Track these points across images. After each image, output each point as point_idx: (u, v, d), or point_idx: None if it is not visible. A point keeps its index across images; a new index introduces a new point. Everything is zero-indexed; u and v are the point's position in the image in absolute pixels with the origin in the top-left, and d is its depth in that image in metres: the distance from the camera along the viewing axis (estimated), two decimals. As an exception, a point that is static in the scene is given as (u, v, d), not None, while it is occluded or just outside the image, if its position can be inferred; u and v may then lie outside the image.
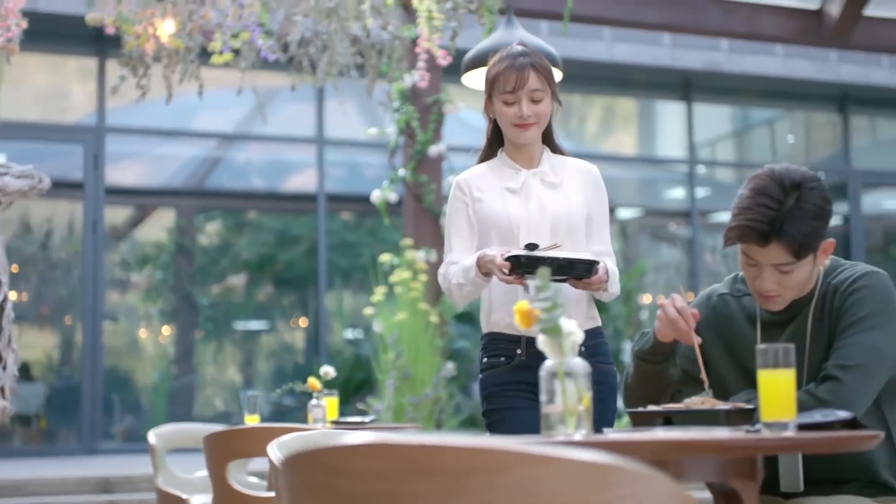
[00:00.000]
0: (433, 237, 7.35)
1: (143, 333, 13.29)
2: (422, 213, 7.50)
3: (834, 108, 13.55)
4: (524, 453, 1.54)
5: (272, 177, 12.39)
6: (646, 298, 13.20)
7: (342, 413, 4.92)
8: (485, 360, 3.48)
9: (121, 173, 11.75)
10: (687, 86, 12.59)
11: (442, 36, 5.81)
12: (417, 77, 6.09)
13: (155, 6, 5.79)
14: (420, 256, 7.29)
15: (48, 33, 10.08)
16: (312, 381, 4.88)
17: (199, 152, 11.90)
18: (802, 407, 2.48)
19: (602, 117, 13.60)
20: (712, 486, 2.27)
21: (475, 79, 5.23)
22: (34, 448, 10.63)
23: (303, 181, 11.90)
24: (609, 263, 3.40)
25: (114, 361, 12.74)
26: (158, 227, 13.04)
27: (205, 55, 6.24)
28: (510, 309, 3.02)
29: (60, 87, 11.25)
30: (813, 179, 2.58)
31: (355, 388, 10.11)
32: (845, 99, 13.33)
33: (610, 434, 2.30)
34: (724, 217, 13.84)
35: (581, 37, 11.44)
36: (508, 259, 3.19)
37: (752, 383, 2.70)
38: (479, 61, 5.09)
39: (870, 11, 8.20)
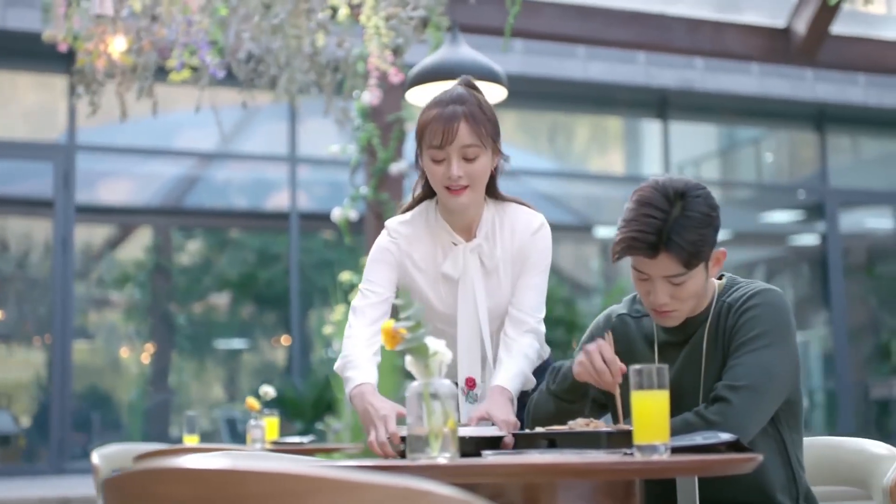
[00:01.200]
0: (394, 256, 7.29)
1: (121, 352, 13.24)
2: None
3: (811, 126, 13.51)
4: (329, 479, 1.48)
5: (251, 195, 12.35)
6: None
7: (307, 432, 4.90)
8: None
9: (97, 192, 11.71)
10: (663, 104, 12.56)
11: (394, 53, 5.77)
12: (368, 95, 6.04)
13: (103, 23, 5.74)
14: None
15: (18, 50, 10.07)
16: (251, 402, 4.84)
17: (178, 171, 11.87)
18: (691, 429, 2.43)
19: (578, 135, 13.57)
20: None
21: (419, 96, 5.20)
22: (11, 467, 10.56)
23: (282, 200, 11.86)
24: (519, 362, 2.87)
25: (93, 380, 12.68)
26: (137, 245, 12.99)
27: (164, 72, 6.20)
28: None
29: (31, 104, 11.22)
30: (697, 188, 2.54)
31: (326, 407, 10.05)
32: (822, 117, 13.30)
33: (474, 459, 2.25)
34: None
35: (556, 55, 11.41)
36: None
37: (649, 405, 2.65)
38: (422, 78, 5.07)
39: (837, 29, 8.17)
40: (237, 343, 12.87)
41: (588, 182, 13.25)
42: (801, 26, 7.99)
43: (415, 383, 2.14)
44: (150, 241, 12.86)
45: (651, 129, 13.02)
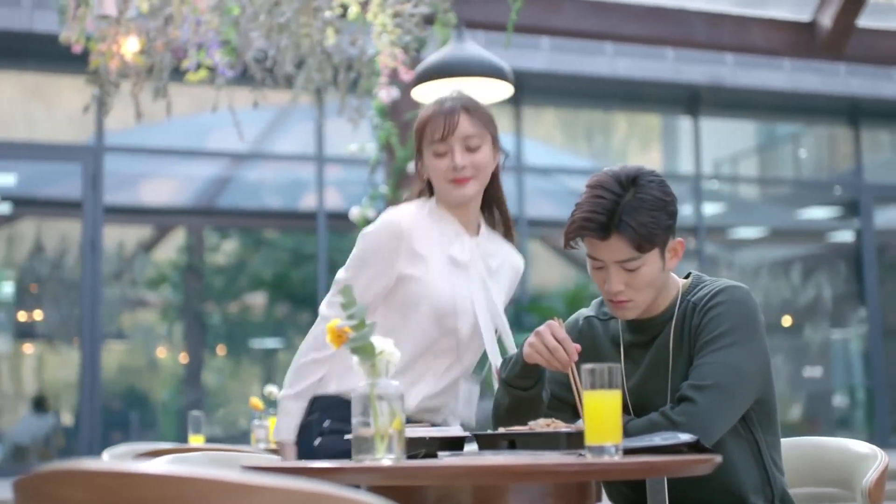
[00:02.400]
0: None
1: (157, 353, 13.34)
2: (401, 231, 7.41)
3: (845, 121, 13.34)
4: (223, 482, 1.45)
5: (284, 195, 12.37)
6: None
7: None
8: (326, 423, 2.86)
9: (130, 193, 11.78)
10: (693, 101, 12.44)
11: (405, 50, 5.73)
12: (383, 93, 6.01)
13: (114, 24, 5.74)
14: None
15: (47, 53, 10.13)
16: (255, 401, 4.82)
17: (211, 171, 11.91)
18: (656, 429, 2.38)
19: (607, 132, 13.48)
20: (540, 514, 2.16)
21: (426, 93, 5.16)
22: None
23: (312, 199, 11.88)
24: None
25: (130, 380, 12.78)
26: (171, 246, 13.07)
27: (180, 73, 6.20)
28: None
29: (60, 107, 11.30)
30: (652, 174, 2.51)
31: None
32: (856, 112, 13.12)
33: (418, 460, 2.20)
34: (742, 233, 13.71)
35: (582, 52, 11.34)
36: None
37: (619, 406, 2.60)
38: (428, 75, 5.03)
39: (863, 22, 8.03)
40: (272, 342, 12.91)
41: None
42: (826, 20, 7.87)
43: (360, 384, 2.10)
44: (184, 241, 12.92)
45: (684, 126, 12.91)
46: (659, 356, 2.55)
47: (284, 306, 12.86)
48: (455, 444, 2.40)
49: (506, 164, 2.98)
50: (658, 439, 2.22)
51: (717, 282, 2.57)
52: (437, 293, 2.82)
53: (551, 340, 2.44)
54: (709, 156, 12.92)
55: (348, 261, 2.89)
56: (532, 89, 11.69)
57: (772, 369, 2.57)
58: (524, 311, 10.52)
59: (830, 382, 13.56)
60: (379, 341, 2.10)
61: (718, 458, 2.17)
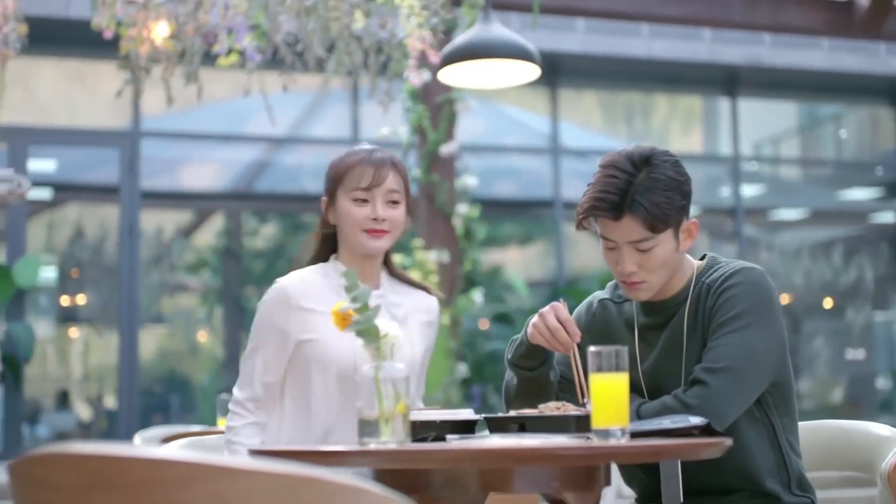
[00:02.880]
0: (445, 237, 7.27)
1: (198, 336, 13.44)
2: (434, 214, 7.42)
3: (887, 101, 13.17)
4: (209, 466, 1.45)
5: (322, 179, 12.37)
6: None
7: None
8: None
9: (168, 178, 11.84)
10: (731, 81, 12.33)
11: (435, 33, 5.70)
12: (413, 76, 5.99)
13: (142, 10, 5.76)
14: (431, 257, 7.21)
15: (84, 39, 10.17)
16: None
17: (249, 156, 11.95)
18: (669, 412, 2.36)
19: (647, 114, 13.39)
20: (548, 499, 2.14)
21: (451, 75, 5.13)
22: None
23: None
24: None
25: (171, 364, 12.89)
26: (210, 231, 13.14)
27: (211, 58, 6.21)
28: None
29: (99, 92, 11.36)
30: (665, 154, 2.49)
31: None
32: (897, 92, 12.97)
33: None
34: (783, 214, 13.59)
35: (618, 33, 11.26)
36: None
37: (632, 389, 2.56)
38: (455, 57, 5.00)
39: (903, 0, 7.90)
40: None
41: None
42: (864, -2, 7.76)
43: (366, 367, 2.10)
44: (222, 226, 12.98)
45: (723, 107, 12.80)
46: (673, 338, 2.52)
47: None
48: (466, 427, 2.38)
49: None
50: (668, 422, 2.20)
51: (732, 263, 2.54)
52: (335, 353, 2.71)
53: (553, 321, 2.42)
54: (749, 137, 12.80)
55: (250, 335, 2.82)
56: (568, 71, 11.63)
57: (787, 352, 2.53)
58: (560, 293, 10.49)
59: (873, 365, 13.42)
60: (384, 324, 2.10)
61: (729, 442, 2.14)
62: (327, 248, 2.88)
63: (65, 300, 12.42)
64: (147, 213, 11.60)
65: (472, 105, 7.51)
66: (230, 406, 2.80)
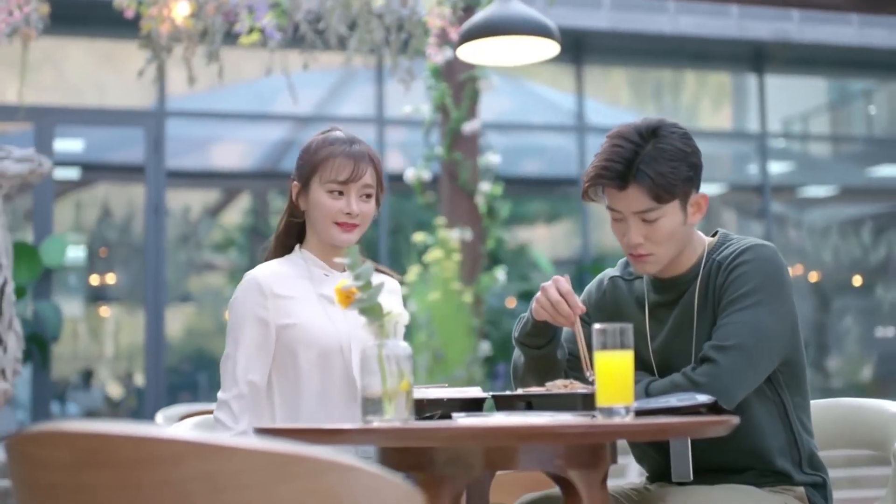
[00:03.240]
0: (467, 215, 7.25)
1: (224, 316, 13.46)
2: (456, 192, 7.40)
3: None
4: (200, 444, 1.44)
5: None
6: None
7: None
8: None
9: (194, 158, 11.87)
10: (759, 58, 12.22)
11: (455, 10, 5.68)
12: (436, 54, 5.97)
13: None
14: (454, 235, 7.19)
15: (115, 19, 10.19)
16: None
17: (275, 135, 11.96)
18: (678, 390, 2.34)
19: (676, 91, 13.30)
20: (553, 477, 2.13)
21: (470, 52, 5.10)
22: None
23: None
24: None
25: (200, 342, 12.94)
26: (236, 210, 13.17)
27: (233, 37, 6.20)
28: None
29: (128, 72, 11.39)
30: (673, 126, 2.46)
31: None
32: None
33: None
34: (813, 191, 13.49)
35: (645, 10, 11.18)
36: None
37: (643, 367, 2.56)
38: (473, 34, 4.95)
39: (931, -26, 7.80)
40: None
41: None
42: (892, -29, 7.67)
43: (369, 344, 2.09)
44: (249, 205, 13.00)
45: (752, 84, 12.70)
46: (684, 316, 2.50)
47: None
48: (474, 405, 2.37)
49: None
50: (674, 400, 2.18)
51: (744, 240, 2.51)
52: (318, 334, 2.67)
53: (555, 294, 2.41)
54: (778, 114, 12.70)
55: (227, 336, 2.76)
56: (594, 48, 11.57)
57: (799, 329, 2.50)
58: (586, 271, 10.46)
59: (903, 343, 13.35)
60: (386, 300, 2.09)
61: (735, 420, 2.12)
62: (292, 238, 2.85)
63: (94, 279, 12.50)
64: (174, 193, 11.65)
65: (495, 83, 7.47)
66: (215, 413, 2.70)
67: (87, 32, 10.66)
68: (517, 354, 2.63)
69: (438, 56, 5.97)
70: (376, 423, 2.03)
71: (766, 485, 2.46)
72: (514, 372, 2.65)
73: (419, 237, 7.41)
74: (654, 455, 2.59)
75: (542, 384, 2.42)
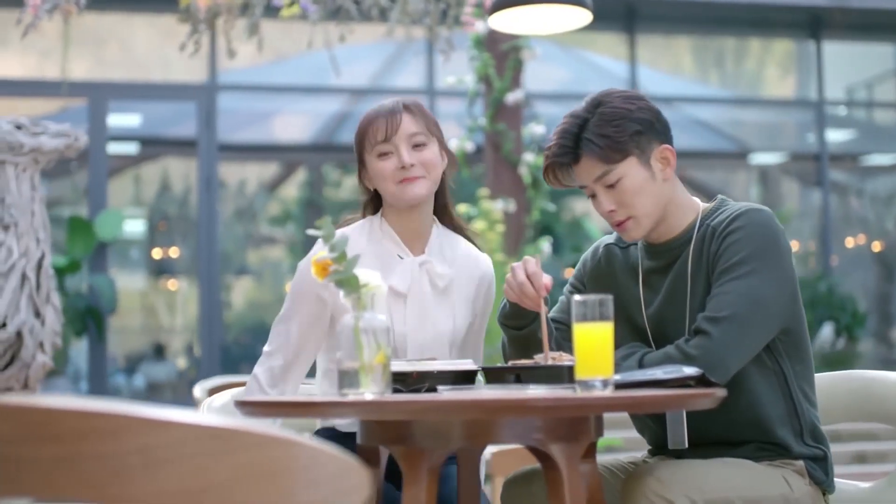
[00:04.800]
0: (511, 186, 7.21)
1: (284, 288, 13.58)
2: (500, 163, 7.36)
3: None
4: (137, 418, 1.44)
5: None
6: (793, 245, 12.71)
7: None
8: None
9: (250, 131, 11.94)
10: (816, 24, 12.00)
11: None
12: (477, 23, 5.92)
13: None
14: (497, 206, 7.16)
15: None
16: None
17: (331, 108, 11.99)
18: (672, 362, 2.30)
19: (739, 58, 13.12)
20: (533, 451, 2.11)
21: (502, 21, 5.05)
22: (186, 398, 10.94)
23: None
24: None
25: (259, 315, 13.06)
26: (293, 183, 13.23)
27: (278, 10, 6.20)
28: None
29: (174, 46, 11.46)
30: (618, 91, 2.48)
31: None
32: None
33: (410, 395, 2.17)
34: (876, 160, 13.26)
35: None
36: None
37: (639, 337, 2.53)
38: (504, 3, 4.91)
39: None
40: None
41: (740, 107, 12.82)
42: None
43: (346, 316, 2.08)
44: (305, 178, 13.05)
45: (808, 50, 12.48)
46: (677, 282, 2.46)
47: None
48: (467, 378, 2.35)
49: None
50: (660, 373, 2.15)
51: (739, 205, 2.46)
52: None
53: (521, 276, 2.38)
54: (842, 81, 12.48)
55: (287, 297, 2.71)
56: (645, 16, 11.44)
57: (799, 296, 2.45)
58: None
59: (968, 313, 13.10)
60: (364, 273, 2.07)
61: (721, 393, 2.09)
62: (375, 211, 2.76)
63: (157, 253, 12.65)
64: (230, 167, 11.73)
65: (538, 52, 7.41)
66: (255, 369, 2.67)
67: (153, 8, 10.72)
68: (503, 335, 2.61)
69: (476, 26, 5.92)
70: (351, 395, 2.02)
71: (764, 458, 2.42)
72: (503, 350, 2.63)
73: (462, 208, 7.39)
74: (654, 426, 2.56)
75: (526, 358, 2.39)
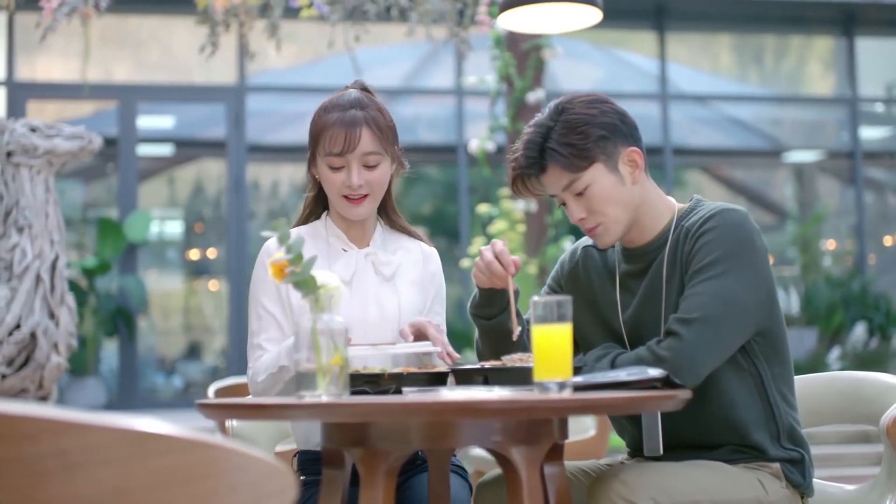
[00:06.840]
0: (532, 187, 7.18)
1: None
2: (521, 163, 7.32)
3: None
4: (53, 421, 1.44)
5: (435, 129, 12.36)
6: (829, 244, 12.58)
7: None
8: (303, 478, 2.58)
9: (279, 132, 11.97)
10: (850, 20, 11.86)
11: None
12: (486, 22, 5.90)
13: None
14: (518, 206, 7.13)
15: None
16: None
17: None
18: (643, 363, 2.28)
19: (777, 56, 13.00)
20: (493, 454, 2.08)
21: (512, 20, 5.03)
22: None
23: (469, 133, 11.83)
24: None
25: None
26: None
27: (293, 10, 6.21)
28: None
29: (229, 49, 11.50)
30: (582, 96, 2.44)
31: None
32: None
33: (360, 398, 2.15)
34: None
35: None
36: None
37: (615, 340, 2.50)
38: (512, 2, 4.88)
39: None
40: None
41: (776, 105, 12.71)
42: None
43: (304, 318, 2.07)
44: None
45: (841, 47, 12.34)
46: (652, 286, 2.43)
47: (441, 240, 12.91)
48: (439, 379, 2.33)
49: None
50: (624, 374, 2.12)
51: (713, 205, 2.42)
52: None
53: (488, 255, 2.38)
54: (881, 78, 12.33)
55: (249, 311, 2.70)
56: (675, 14, 11.37)
57: (776, 296, 2.41)
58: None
59: None
60: (321, 274, 2.06)
61: (685, 395, 2.06)
62: (322, 206, 2.76)
63: (194, 254, 12.72)
64: (261, 168, 11.77)
65: (559, 51, 7.37)
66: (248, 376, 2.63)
67: (180, 10, 10.77)
68: (476, 328, 2.59)
69: (491, 25, 5.91)
70: (308, 398, 2.01)
71: (740, 461, 2.38)
72: (476, 346, 2.61)
73: (483, 208, 7.36)
74: (631, 429, 2.53)
75: (497, 358, 2.37)
